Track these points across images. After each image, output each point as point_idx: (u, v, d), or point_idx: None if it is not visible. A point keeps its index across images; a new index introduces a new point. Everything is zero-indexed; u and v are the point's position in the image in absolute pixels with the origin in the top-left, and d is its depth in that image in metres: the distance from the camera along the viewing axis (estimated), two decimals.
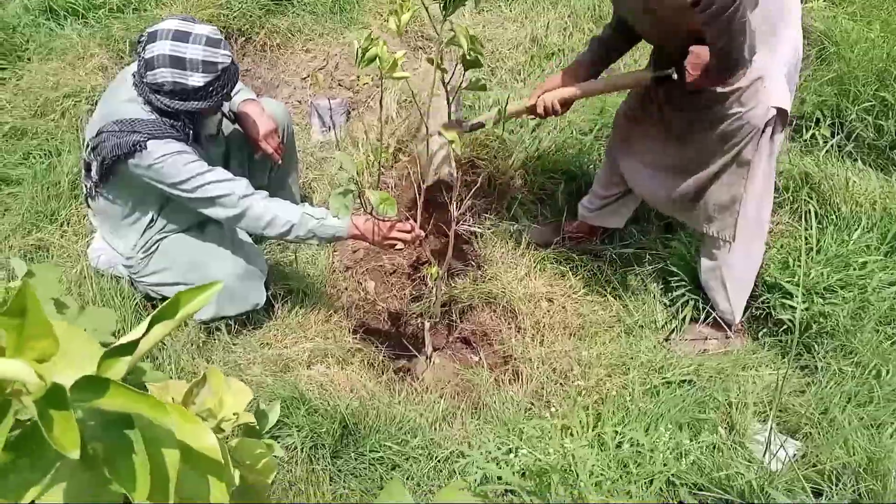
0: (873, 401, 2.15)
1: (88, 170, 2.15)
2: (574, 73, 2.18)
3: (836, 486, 1.93)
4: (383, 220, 2.05)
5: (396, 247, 2.14)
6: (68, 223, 2.64)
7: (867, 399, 2.17)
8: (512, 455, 1.77)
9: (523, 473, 1.79)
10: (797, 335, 1.97)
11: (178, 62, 1.90)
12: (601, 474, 1.63)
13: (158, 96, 1.96)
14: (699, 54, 1.85)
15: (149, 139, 1.97)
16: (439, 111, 2.40)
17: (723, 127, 2.00)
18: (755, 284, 2.45)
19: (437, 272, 2.17)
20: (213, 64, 1.94)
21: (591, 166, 2.98)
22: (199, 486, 0.81)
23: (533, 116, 2.21)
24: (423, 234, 2.14)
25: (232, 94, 2.12)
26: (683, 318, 2.54)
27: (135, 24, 3.74)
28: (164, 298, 2.30)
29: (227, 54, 1.97)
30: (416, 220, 2.09)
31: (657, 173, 2.29)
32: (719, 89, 1.96)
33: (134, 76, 2.02)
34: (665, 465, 1.81)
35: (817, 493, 1.95)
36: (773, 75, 1.96)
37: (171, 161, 1.99)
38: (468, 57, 1.88)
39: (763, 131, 2.00)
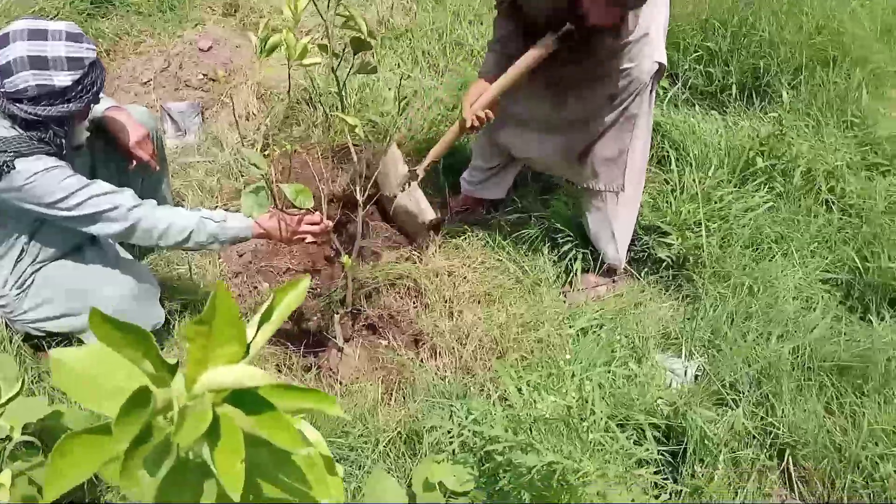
0: (752, 316, 2.40)
1: None
2: (487, 80, 2.20)
3: (741, 394, 2.14)
4: (289, 214, 1.98)
5: (306, 240, 2.08)
6: None
7: (747, 315, 2.40)
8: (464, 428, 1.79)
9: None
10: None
11: (39, 62, 1.72)
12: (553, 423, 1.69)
13: (21, 105, 1.76)
14: None
15: (16, 157, 1.77)
16: (393, 164, 2.41)
17: (612, 83, 2.12)
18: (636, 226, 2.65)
19: (350, 262, 2.14)
20: (79, 59, 1.77)
21: (465, 140, 3.04)
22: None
23: (470, 131, 2.24)
24: (331, 224, 2.09)
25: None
26: (574, 272, 2.68)
27: None
28: (49, 334, 2.11)
29: (91, 48, 1.80)
30: (322, 213, 2.04)
31: (543, 135, 2.38)
32: (612, 41, 2.05)
33: None
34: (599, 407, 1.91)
35: (722, 403, 2.15)
36: (659, 29, 2.11)
37: (45, 179, 1.80)
38: (361, 39, 1.86)
39: (647, 86, 2.13)
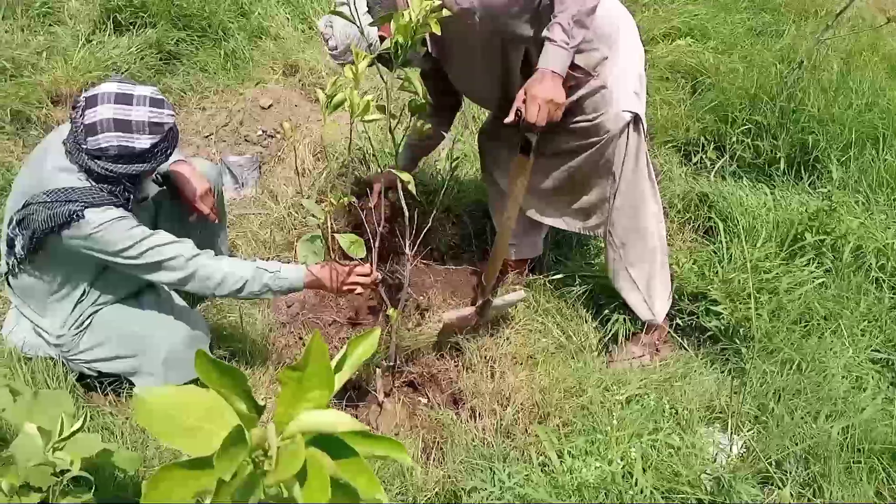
0: (801, 392, 2.35)
1: (11, 246, 1.99)
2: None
3: (788, 473, 2.08)
4: (341, 265, 2.04)
5: (356, 291, 2.12)
6: None
7: (795, 392, 2.36)
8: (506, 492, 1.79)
9: None
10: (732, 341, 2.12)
11: (123, 125, 1.83)
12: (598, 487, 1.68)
13: (100, 162, 1.86)
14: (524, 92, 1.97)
15: (86, 207, 1.86)
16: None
17: (578, 137, 2.23)
18: (678, 297, 2.64)
19: (396, 315, 2.17)
20: (160, 125, 1.88)
21: None
22: None
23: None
24: (380, 276, 2.14)
25: None
26: (616, 336, 2.67)
27: (13, 91, 3.53)
28: (101, 374, 2.18)
29: (171, 114, 1.92)
30: (372, 264, 2.10)
31: (541, 195, 2.47)
32: (576, 97, 2.15)
33: (65, 143, 1.90)
34: (640, 475, 1.89)
35: (768, 482, 2.10)
36: (619, 83, 2.18)
37: (111, 228, 1.89)
38: (418, 102, 1.95)
39: (620, 135, 2.21)
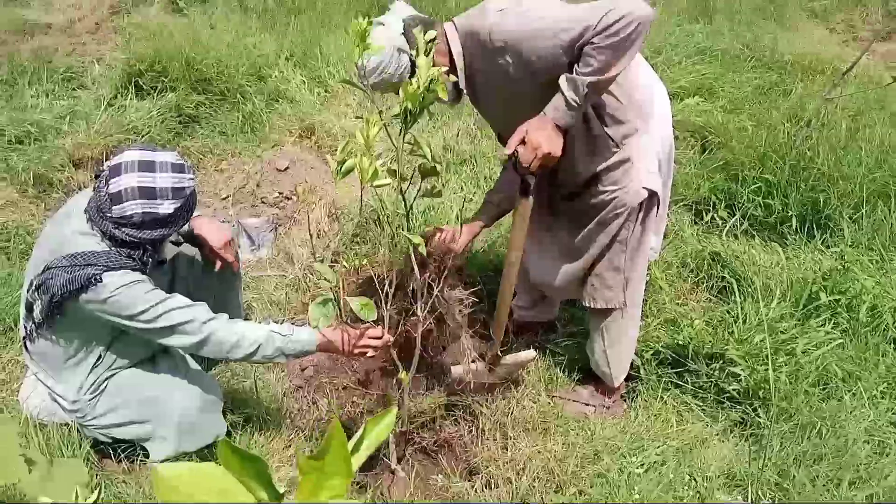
0: (822, 458, 2.31)
1: (30, 310, 2.02)
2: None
3: None
4: (353, 328, 2.05)
5: (368, 354, 2.13)
6: None
7: (817, 457, 2.32)
8: None
9: None
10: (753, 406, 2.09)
11: (148, 192, 1.87)
12: None
13: (125, 229, 1.90)
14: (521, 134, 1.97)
15: (104, 271, 1.89)
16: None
17: (598, 208, 2.22)
18: (693, 354, 2.64)
19: (408, 377, 2.17)
20: (181, 189, 1.92)
21: None
22: None
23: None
24: (391, 339, 2.15)
25: None
26: (635, 401, 2.65)
27: (36, 155, 3.62)
28: (116, 441, 2.18)
29: (192, 178, 1.96)
30: (384, 327, 2.10)
31: (548, 260, 2.48)
32: (585, 168, 2.17)
33: (87, 211, 1.95)
34: None
35: None
36: (642, 158, 2.17)
37: (129, 292, 1.92)
38: (429, 166, 1.98)
39: (639, 210, 2.21)
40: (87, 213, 1.95)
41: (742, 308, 2.83)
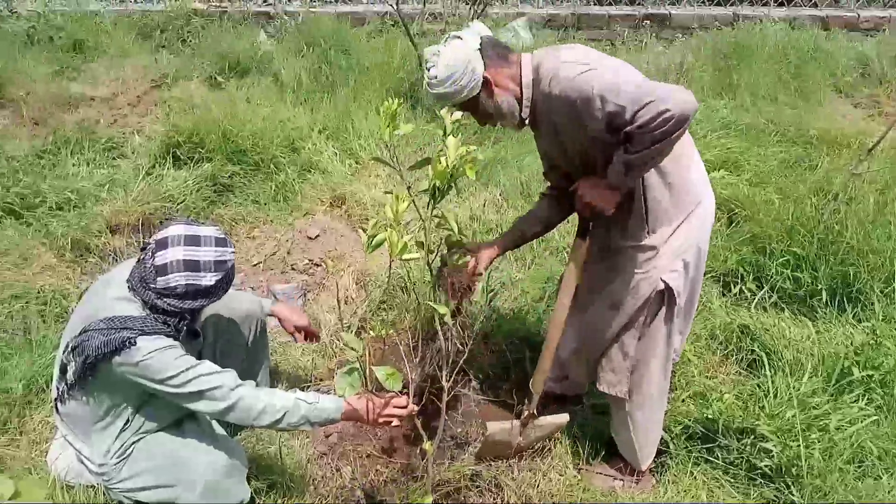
0: None
1: (64, 372, 2.07)
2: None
3: None
4: (378, 397, 2.06)
5: (392, 424, 2.13)
6: (21, 432, 2.47)
7: None
8: None
9: None
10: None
11: (192, 265, 1.96)
12: None
13: (167, 299, 1.98)
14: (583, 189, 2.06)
15: (139, 335, 1.94)
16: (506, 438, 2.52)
17: (617, 290, 2.22)
18: (723, 429, 2.58)
19: (432, 447, 2.16)
20: (224, 262, 2.01)
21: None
22: None
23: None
24: (416, 408, 2.15)
25: None
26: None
27: (75, 221, 3.74)
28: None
29: (232, 252, 2.05)
30: (409, 396, 2.11)
31: (570, 334, 2.45)
32: (616, 238, 2.19)
33: (129, 280, 2.02)
34: None
35: None
36: (668, 253, 2.16)
37: (160, 357, 1.96)
38: (455, 238, 2.03)
39: (657, 302, 2.20)
40: (129, 283, 2.03)
41: (773, 382, 2.78)
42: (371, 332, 2.57)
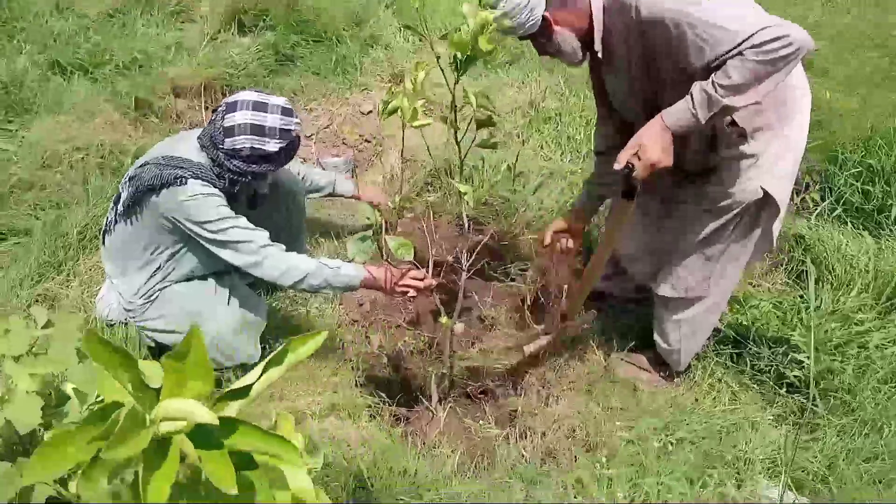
0: (878, 457, 2.18)
1: (117, 202, 2.19)
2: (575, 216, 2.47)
3: None
4: (397, 268, 2.09)
5: (408, 294, 2.17)
6: (75, 274, 2.63)
7: (872, 455, 2.19)
8: None
9: None
10: (812, 393, 1.99)
11: (258, 130, 2.03)
12: None
13: (234, 161, 2.07)
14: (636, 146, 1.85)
15: (191, 177, 2.05)
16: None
17: (710, 197, 2.09)
18: (758, 339, 2.52)
19: (448, 321, 2.19)
20: (288, 131, 2.07)
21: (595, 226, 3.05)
22: None
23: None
24: (434, 282, 2.18)
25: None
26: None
27: (141, 81, 3.82)
28: (158, 344, 2.32)
29: (298, 123, 2.09)
30: (427, 269, 2.13)
31: (638, 233, 2.38)
32: (705, 159, 2.03)
33: (200, 139, 2.11)
34: None
35: None
36: (770, 159, 2.01)
37: (203, 201, 2.06)
38: (483, 116, 1.97)
39: (754, 210, 2.08)
40: (200, 141, 2.11)
41: (817, 295, 2.67)
42: (406, 208, 2.60)
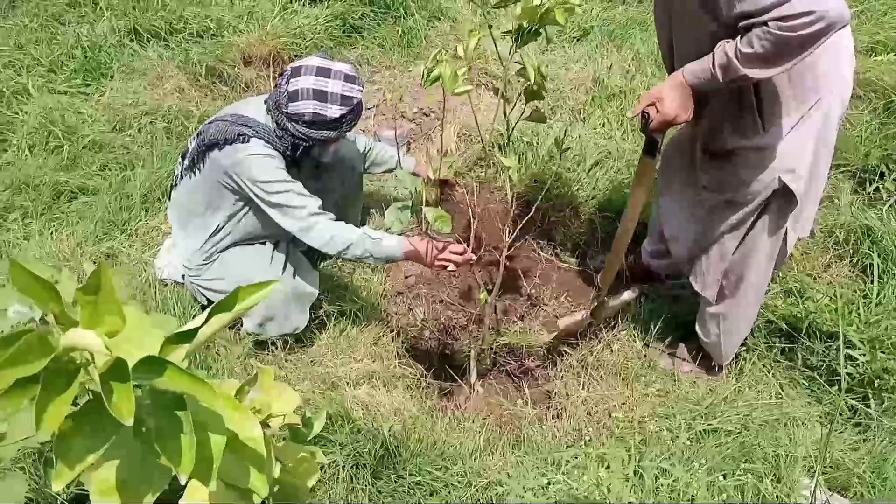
0: None
1: (184, 157, 2.29)
2: None
3: None
4: (437, 241, 2.11)
5: (448, 268, 2.19)
6: (137, 234, 2.76)
7: None
8: (550, 486, 1.77)
9: None
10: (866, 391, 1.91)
11: (320, 95, 2.07)
12: None
13: (296, 125, 2.12)
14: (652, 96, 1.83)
15: (254, 136, 2.12)
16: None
17: (730, 185, 2.03)
18: (812, 333, 2.43)
19: (487, 298, 2.20)
20: (350, 98, 2.10)
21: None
22: (240, 473, 0.86)
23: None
24: (474, 257, 2.18)
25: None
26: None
27: (212, 49, 3.93)
28: (210, 302, 2.41)
29: (360, 90, 2.12)
30: (469, 244, 2.14)
31: (683, 216, 2.31)
32: (726, 138, 1.96)
33: (267, 102, 2.17)
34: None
35: None
36: (786, 152, 1.92)
37: (264, 161, 2.13)
38: (532, 88, 1.94)
39: (770, 202, 2.00)
40: (266, 104, 2.18)
41: (880, 290, 2.54)
42: (429, 176, 2.60)
